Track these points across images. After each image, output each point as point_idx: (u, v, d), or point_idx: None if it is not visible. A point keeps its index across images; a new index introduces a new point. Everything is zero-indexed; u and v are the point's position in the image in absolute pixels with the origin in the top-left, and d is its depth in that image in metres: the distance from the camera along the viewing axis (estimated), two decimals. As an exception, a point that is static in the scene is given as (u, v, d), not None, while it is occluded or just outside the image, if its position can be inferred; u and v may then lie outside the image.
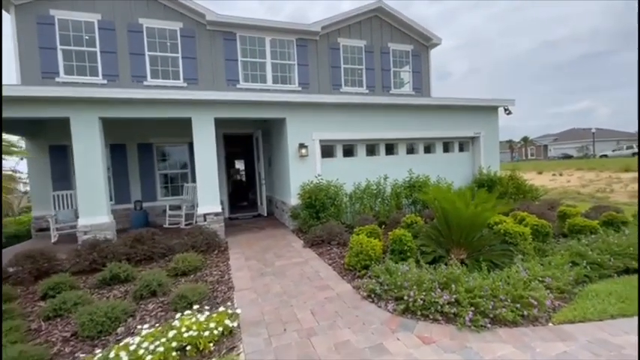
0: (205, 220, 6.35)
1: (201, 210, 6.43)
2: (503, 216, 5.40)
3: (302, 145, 7.09)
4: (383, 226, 6.40)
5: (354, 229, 5.48)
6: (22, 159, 8.58)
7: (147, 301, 3.95)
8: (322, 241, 5.73)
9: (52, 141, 7.76)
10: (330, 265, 4.81)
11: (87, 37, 8.18)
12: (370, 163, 8.06)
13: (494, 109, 9.38)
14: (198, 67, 9.09)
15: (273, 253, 5.54)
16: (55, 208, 7.25)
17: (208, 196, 6.49)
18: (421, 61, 11.81)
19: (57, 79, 7.87)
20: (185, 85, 8.95)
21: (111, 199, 8.43)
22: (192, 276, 4.68)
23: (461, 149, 9.43)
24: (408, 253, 4.45)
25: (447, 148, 9.23)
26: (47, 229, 7.36)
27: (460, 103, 8.88)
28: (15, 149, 3.90)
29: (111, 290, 4.36)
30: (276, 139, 8.38)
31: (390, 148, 8.55)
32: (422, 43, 11.82)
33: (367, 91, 10.98)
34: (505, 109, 9.35)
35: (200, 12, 8.82)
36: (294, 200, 7.01)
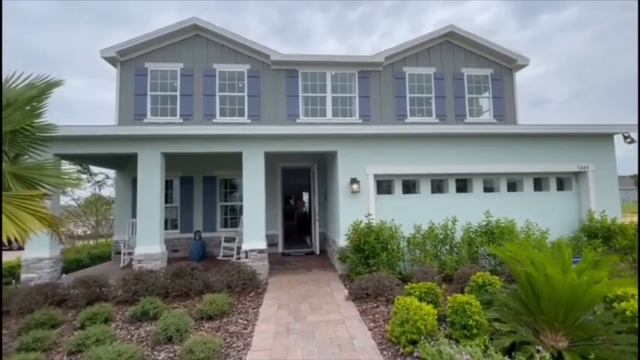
0: (247, 257, 6.07)
1: (245, 246, 6.21)
2: (630, 287, 3.73)
3: (354, 180, 6.46)
4: (446, 284, 5.18)
5: (409, 284, 4.47)
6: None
7: (162, 347, 3.66)
8: (367, 294, 4.82)
9: (135, 173, 8.72)
10: (370, 329, 3.89)
11: (171, 84, 9.32)
12: (436, 202, 6.91)
13: (609, 137, 7.33)
14: (262, 104, 9.48)
15: (309, 303, 4.85)
16: (128, 233, 7.96)
17: (253, 232, 6.26)
18: (503, 86, 10.30)
19: (144, 120, 9.03)
20: (249, 121, 9.36)
21: (177, 228, 9.01)
22: (217, 321, 4.31)
23: (560, 187, 7.51)
24: (475, 330, 3.28)
25: (539, 185, 7.45)
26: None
27: (557, 131, 7.17)
28: (71, 180, 4.22)
29: (139, 327, 4.24)
30: (330, 173, 7.94)
31: (463, 185, 7.26)
32: (504, 65, 10.38)
33: (437, 121, 9.92)
34: (625, 137, 7.22)
35: (265, 53, 9.33)
36: (342, 241, 6.29)
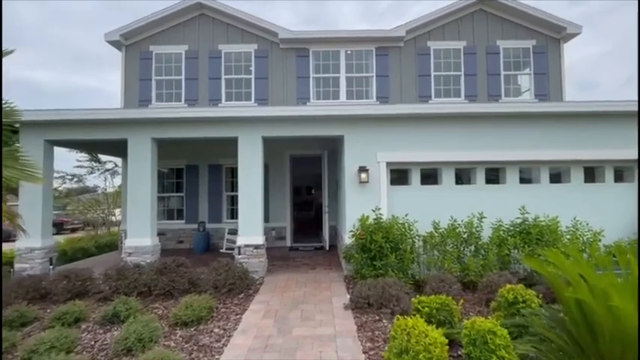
0: (241, 254, 5.51)
1: (239, 241, 5.66)
2: None
3: (362, 169, 5.63)
4: (468, 293, 4.29)
5: (417, 296, 3.65)
6: None
7: (120, 360, 3.17)
8: (369, 304, 4.06)
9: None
10: (365, 352, 3.15)
11: (175, 67, 8.87)
12: (461, 195, 5.92)
13: (685, 116, 5.86)
14: (270, 87, 8.80)
15: (301, 310, 4.18)
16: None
17: (248, 225, 5.68)
18: (548, 60, 8.83)
19: (149, 106, 8.67)
20: (256, 105, 8.73)
21: (182, 218, 8.69)
22: (192, 329, 3.78)
23: (618, 179, 6.18)
24: (500, 369, 2.44)
25: (591, 176, 6.18)
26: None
27: (614, 109, 5.86)
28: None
29: (107, 331, 3.81)
30: (339, 161, 7.14)
31: (494, 175, 6.18)
32: (550, 35, 8.87)
33: (466, 102, 8.71)
34: None
35: (273, 31, 8.59)
36: (348, 238, 5.53)
